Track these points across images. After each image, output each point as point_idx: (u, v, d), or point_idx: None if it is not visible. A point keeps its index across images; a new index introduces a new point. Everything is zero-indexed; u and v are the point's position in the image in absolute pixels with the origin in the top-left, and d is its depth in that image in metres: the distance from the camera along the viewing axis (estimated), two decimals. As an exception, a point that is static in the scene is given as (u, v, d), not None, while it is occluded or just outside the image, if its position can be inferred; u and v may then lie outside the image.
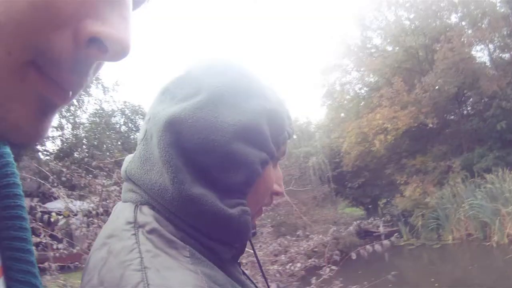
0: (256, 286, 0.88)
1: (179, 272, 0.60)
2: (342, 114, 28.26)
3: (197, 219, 0.70)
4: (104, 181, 4.24)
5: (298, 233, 6.15)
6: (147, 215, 0.70)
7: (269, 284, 0.91)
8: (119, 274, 0.59)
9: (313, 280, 4.78)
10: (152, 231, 0.67)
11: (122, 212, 0.73)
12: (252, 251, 0.86)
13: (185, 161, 0.69)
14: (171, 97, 0.75)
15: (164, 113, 0.72)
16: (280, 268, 4.71)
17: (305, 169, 23.05)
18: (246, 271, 0.89)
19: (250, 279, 0.87)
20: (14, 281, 0.54)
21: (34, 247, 0.61)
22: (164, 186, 0.70)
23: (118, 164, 4.45)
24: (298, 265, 4.82)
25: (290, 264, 4.86)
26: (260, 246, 5.79)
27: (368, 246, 4.84)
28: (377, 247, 4.84)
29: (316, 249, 5.63)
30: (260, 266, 1.00)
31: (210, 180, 0.70)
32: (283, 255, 5.36)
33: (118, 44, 0.38)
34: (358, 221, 9.33)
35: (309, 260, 5.28)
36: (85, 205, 4.15)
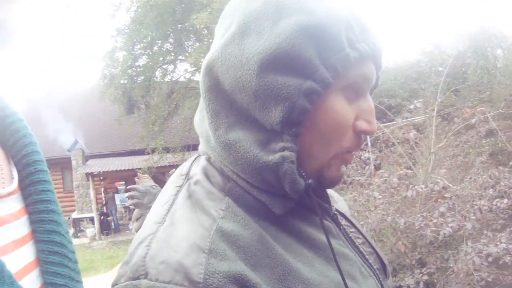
0: (352, 244, 0.77)
1: (189, 228, 0.57)
2: None
3: (238, 168, 0.63)
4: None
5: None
6: (198, 166, 0.69)
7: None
8: (146, 224, 0.62)
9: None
10: (197, 182, 0.65)
11: (183, 163, 0.74)
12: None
13: (226, 104, 0.63)
14: (215, 37, 0.69)
15: (206, 57, 0.66)
16: (486, 203, 4.33)
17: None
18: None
19: (347, 235, 0.77)
20: (39, 242, 0.59)
21: None
22: (208, 133, 0.67)
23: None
24: (505, 201, 4.27)
25: (498, 199, 4.34)
26: (470, 177, 5.48)
27: None
28: None
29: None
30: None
31: (252, 122, 0.62)
32: (491, 189, 4.83)
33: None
34: None
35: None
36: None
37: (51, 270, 0.59)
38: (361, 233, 0.82)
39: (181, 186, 0.66)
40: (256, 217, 0.62)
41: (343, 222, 0.80)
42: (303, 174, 0.62)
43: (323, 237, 0.66)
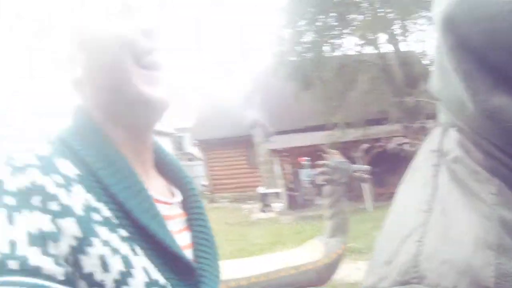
0: None
1: (467, 217, 0.47)
2: None
3: (504, 141, 0.53)
4: None
5: None
6: (452, 140, 0.59)
7: None
8: (404, 213, 0.54)
9: None
10: (455, 160, 0.56)
11: (429, 137, 0.64)
12: None
13: (477, 64, 0.52)
14: None
15: (440, 9, 0.56)
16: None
17: None
18: None
19: None
20: (193, 232, 0.86)
21: None
22: (461, 100, 0.56)
23: None
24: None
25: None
26: None
27: None
28: None
29: None
30: None
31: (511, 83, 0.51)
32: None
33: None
34: None
35: None
36: None
37: (201, 249, 0.85)
38: None
39: (438, 165, 0.57)
40: None
41: None
42: None
43: None
